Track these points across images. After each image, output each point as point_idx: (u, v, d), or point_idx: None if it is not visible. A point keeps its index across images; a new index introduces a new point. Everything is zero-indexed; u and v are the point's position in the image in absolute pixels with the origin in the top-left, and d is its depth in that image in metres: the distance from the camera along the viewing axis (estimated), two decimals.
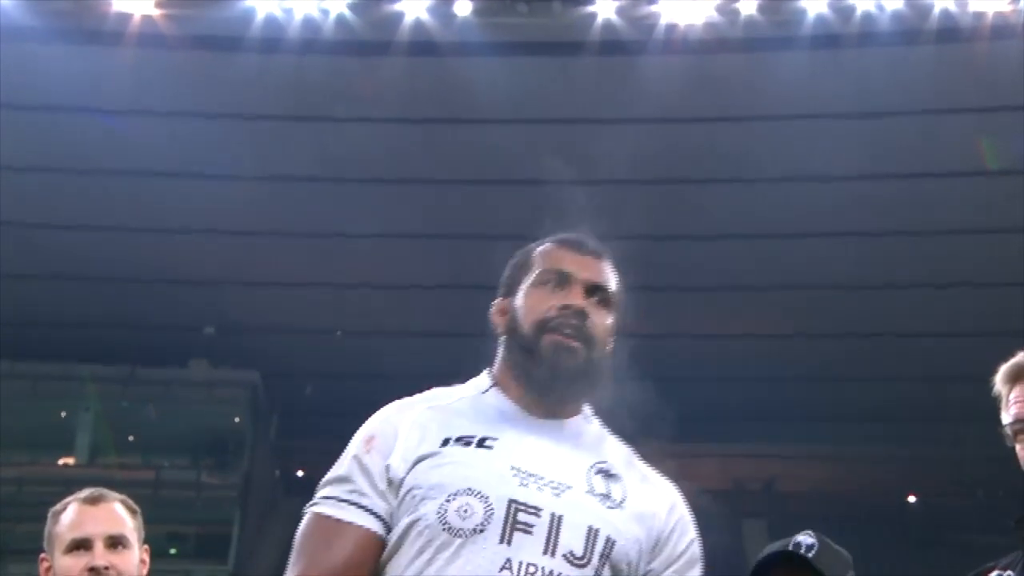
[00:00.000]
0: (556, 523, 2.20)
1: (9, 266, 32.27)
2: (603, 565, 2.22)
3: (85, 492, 3.37)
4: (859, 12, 26.41)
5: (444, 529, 2.19)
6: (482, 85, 28.46)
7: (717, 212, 30.23)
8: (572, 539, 2.20)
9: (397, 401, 2.43)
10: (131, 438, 36.77)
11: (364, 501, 2.27)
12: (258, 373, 35.68)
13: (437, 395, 2.45)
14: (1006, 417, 2.66)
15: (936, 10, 26.12)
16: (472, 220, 31.01)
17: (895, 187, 29.54)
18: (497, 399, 2.40)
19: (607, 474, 2.34)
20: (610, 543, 2.23)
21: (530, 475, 2.24)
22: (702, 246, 31.22)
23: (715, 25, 27.05)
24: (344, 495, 2.28)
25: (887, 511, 34.81)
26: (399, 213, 30.97)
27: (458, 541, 2.18)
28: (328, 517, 2.28)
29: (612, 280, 2.50)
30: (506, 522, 2.18)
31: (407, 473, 2.25)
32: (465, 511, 2.18)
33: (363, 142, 29.92)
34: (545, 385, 2.35)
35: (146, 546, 3.39)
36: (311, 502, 2.32)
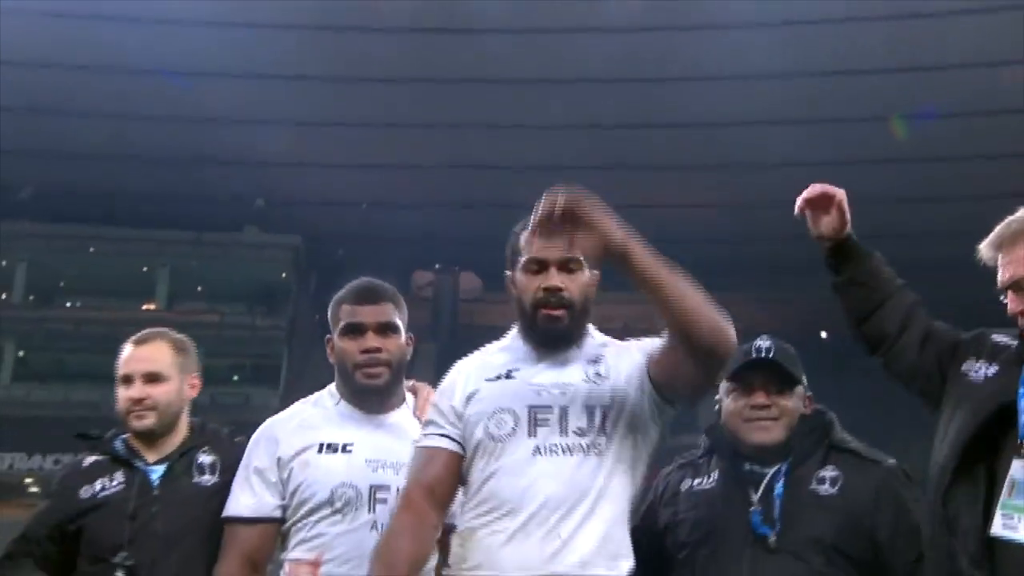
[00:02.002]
0: (563, 412, 2.56)
1: (97, 151, 32.19)
2: (604, 424, 2.56)
3: (139, 333, 3.30)
4: None
5: (490, 439, 2.57)
6: None
7: (673, 105, 30.01)
8: (576, 419, 2.56)
9: (460, 361, 2.78)
10: (199, 289, 36.97)
11: (443, 431, 2.65)
12: (300, 237, 35.79)
13: (485, 350, 2.78)
14: (1000, 278, 2.58)
15: None
16: (469, 113, 30.79)
17: (817, 83, 29.36)
18: (519, 344, 2.71)
19: (596, 361, 2.66)
20: (603, 409, 2.57)
21: (542, 386, 2.59)
22: (653, 133, 31.03)
23: None
24: (431, 431, 2.68)
25: (804, 344, 35.00)
26: (410, 107, 30.75)
27: (500, 444, 2.56)
28: (424, 446, 2.67)
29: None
30: (530, 422, 2.54)
31: (464, 407, 2.63)
32: (500, 423, 2.56)
33: (378, 47, 29.59)
34: (544, 344, 2.66)
35: (196, 375, 3.30)
36: (415, 442, 2.73)
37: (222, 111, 30.56)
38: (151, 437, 3.16)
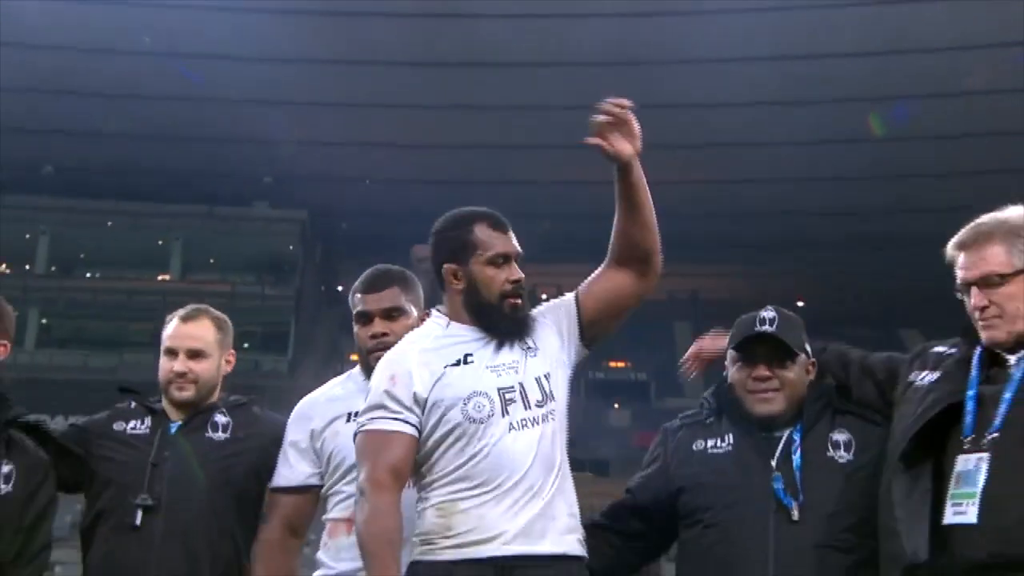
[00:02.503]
0: (522, 388, 2.62)
1: (115, 130, 32.13)
2: (551, 390, 2.65)
3: (185, 309, 3.33)
4: None
5: (470, 421, 2.58)
6: None
7: (662, 87, 29.93)
8: (533, 392, 2.63)
9: (394, 351, 2.72)
10: (211, 260, 37.00)
11: (399, 416, 2.60)
12: (306, 212, 35.81)
13: (418, 339, 2.72)
14: (960, 277, 2.54)
15: None
16: (467, 94, 30.72)
17: (797, 65, 29.31)
18: (461, 330, 2.70)
19: (526, 337, 2.71)
20: (547, 376, 2.66)
21: (499, 367, 2.64)
22: (644, 113, 30.91)
23: None
24: (384, 415, 2.61)
25: None
26: (412, 88, 30.67)
27: (481, 426, 2.58)
28: (379, 431, 2.60)
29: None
30: (501, 402, 2.60)
31: (429, 393, 2.60)
32: (478, 407, 2.58)
33: (382, 31, 29.48)
34: (507, 331, 2.68)
35: (232, 351, 3.34)
36: (360, 425, 2.63)
37: (233, 92, 30.51)
38: (186, 405, 3.23)
